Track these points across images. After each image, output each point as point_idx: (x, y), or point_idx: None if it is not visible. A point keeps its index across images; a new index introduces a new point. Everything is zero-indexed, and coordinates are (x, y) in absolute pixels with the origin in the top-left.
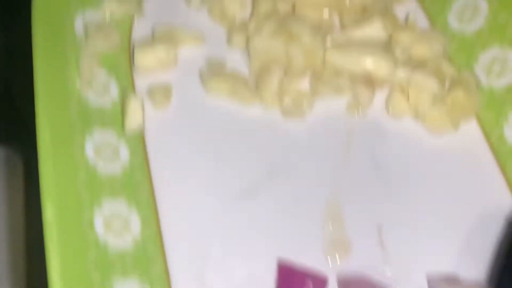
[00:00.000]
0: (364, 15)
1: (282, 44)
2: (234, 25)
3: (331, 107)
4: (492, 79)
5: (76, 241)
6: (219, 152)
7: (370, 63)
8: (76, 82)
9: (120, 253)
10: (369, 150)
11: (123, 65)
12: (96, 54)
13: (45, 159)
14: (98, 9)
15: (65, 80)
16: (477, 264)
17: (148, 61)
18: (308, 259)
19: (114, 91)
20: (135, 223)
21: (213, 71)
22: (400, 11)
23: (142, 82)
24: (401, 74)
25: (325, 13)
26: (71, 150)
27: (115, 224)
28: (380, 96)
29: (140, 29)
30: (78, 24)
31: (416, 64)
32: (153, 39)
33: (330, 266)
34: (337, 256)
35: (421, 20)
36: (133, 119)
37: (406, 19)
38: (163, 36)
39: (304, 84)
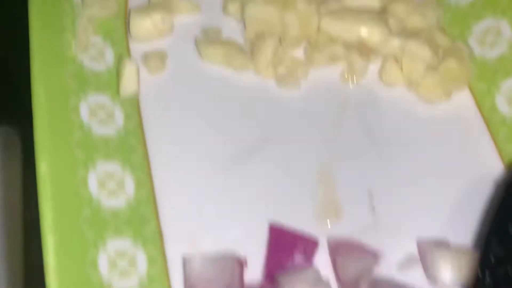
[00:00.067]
0: None
1: (277, 12)
2: None
3: (326, 75)
4: (485, 50)
5: (69, 199)
6: (213, 117)
7: (365, 31)
8: (72, 47)
9: (114, 212)
10: (362, 118)
11: (119, 31)
12: (93, 20)
13: (39, 118)
14: None
15: (61, 45)
16: (467, 229)
17: (144, 28)
18: (299, 223)
19: (109, 57)
20: (129, 184)
21: (208, 38)
22: None
23: (137, 48)
24: (395, 43)
25: None
26: (66, 110)
27: (109, 184)
28: (374, 66)
29: None
30: None
31: (410, 34)
32: (149, 6)
33: (321, 230)
34: (328, 220)
35: None
36: (128, 84)
37: None
38: (159, 4)
39: (298, 52)
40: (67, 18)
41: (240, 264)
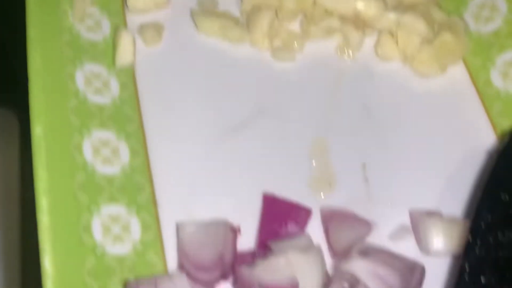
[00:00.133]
0: None
1: None
2: None
3: (321, 49)
4: (481, 24)
5: (64, 163)
6: (208, 88)
7: (361, 4)
8: (68, 17)
9: (108, 179)
10: (357, 91)
11: (116, 3)
12: None
13: (35, 82)
14: None
15: (58, 14)
16: (459, 200)
17: (141, 0)
18: (293, 194)
19: (106, 27)
20: (124, 152)
21: (205, 10)
22: None
23: (134, 20)
24: (391, 16)
25: None
26: (62, 77)
27: (104, 151)
28: (369, 39)
29: None
30: None
31: (405, 8)
32: None
33: (315, 201)
34: (321, 192)
35: None
36: (124, 54)
37: None
38: None
39: (294, 25)
40: None
41: (234, 231)
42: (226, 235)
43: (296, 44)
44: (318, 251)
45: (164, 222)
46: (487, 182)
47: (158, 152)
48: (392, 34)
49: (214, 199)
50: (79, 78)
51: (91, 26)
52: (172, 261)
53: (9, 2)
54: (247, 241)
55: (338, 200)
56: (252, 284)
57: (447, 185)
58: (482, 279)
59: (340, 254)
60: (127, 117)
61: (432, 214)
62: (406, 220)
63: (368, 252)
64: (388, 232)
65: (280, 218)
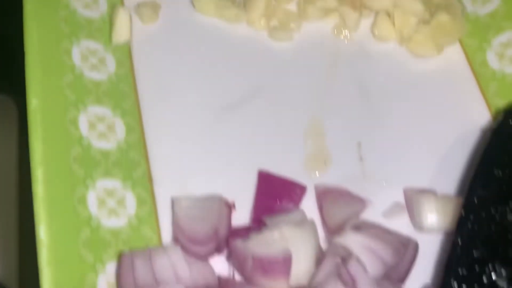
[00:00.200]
0: None
1: None
2: None
3: (318, 29)
4: (477, 6)
5: (59, 136)
6: (204, 67)
7: None
8: None
9: (104, 153)
10: (354, 71)
11: None
12: None
13: (31, 55)
14: None
15: None
16: (453, 179)
17: None
18: (288, 172)
19: (103, 5)
20: (120, 128)
21: None
22: None
23: None
24: None
25: None
26: (58, 52)
27: (99, 126)
28: (366, 20)
29: None
30: None
31: None
32: None
33: (310, 179)
34: (316, 170)
35: None
36: (120, 32)
37: None
38: None
39: (291, 5)
40: None
41: (228, 206)
42: (221, 210)
43: (292, 24)
44: (312, 225)
45: (159, 197)
46: (480, 159)
47: (154, 129)
48: (389, 14)
49: (209, 176)
50: (76, 54)
51: (88, 2)
52: (166, 236)
53: None
54: (241, 217)
55: (333, 178)
56: (246, 257)
57: (442, 164)
58: (474, 253)
59: (334, 231)
60: (123, 94)
61: (426, 192)
62: (400, 198)
63: (362, 227)
64: (382, 209)
65: (274, 194)
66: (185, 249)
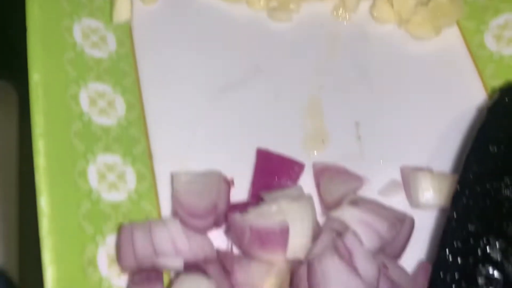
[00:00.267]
0: None
1: None
2: None
3: (318, 10)
4: None
5: (60, 110)
6: (204, 47)
7: None
8: None
9: (104, 129)
10: (352, 52)
11: None
12: None
13: (33, 32)
14: None
15: None
16: (449, 159)
17: None
18: (286, 150)
19: None
20: (120, 105)
21: None
22: None
23: None
24: None
25: None
26: (59, 29)
27: (100, 103)
28: (365, 2)
29: None
30: None
31: None
32: None
33: (308, 157)
34: (315, 149)
35: None
36: (121, 11)
37: None
38: None
39: None
40: None
41: (227, 182)
42: (220, 186)
43: (292, 5)
44: (309, 200)
45: (159, 174)
46: (476, 135)
47: (154, 106)
48: None
49: (208, 155)
50: (77, 32)
51: None
52: (166, 211)
53: None
54: (240, 194)
55: (331, 157)
56: (244, 229)
57: (438, 144)
58: (469, 227)
59: (331, 207)
60: (124, 72)
61: (422, 169)
62: (397, 176)
63: (359, 203)
64: (379, 187)
65: (273, 172)
66: (184, 223)
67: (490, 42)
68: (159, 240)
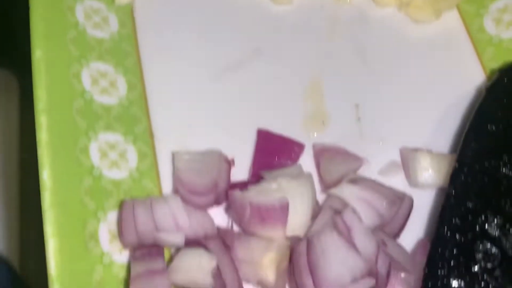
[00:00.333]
0: None
1: None
2: None
3: None
4: None
5: (62, 87)
6: (205, 28)
7: None
8: None
9: (105, 108)
10: (353, 35)
11: None
12: None
13: (35, 11)
14: None
15: None
16: (448, 140)
17: None
18: (287, 131)
19: None
20: (122, 85)
21: None
22: None
23: None
24: None
25: None
26: (61, 8)
27: (101, 82)
28: None
29: None
30: None
31: None
32: None
33: (308, 139)
34: (315, 131)
35: None
36: None
37: None
38: None
39: None
40: None
41: (227, 161)
42: (220, 165)
43: None
44: (309, 178)
45: (160, 153)
46: (475, 114)
47: (155, 86)
48: None
49: (209, 134)
50: (79, 12)
51: None
52: (167, 189)
53: None
54: (241, 173)
55: (331, 138)
56: (244, 206)
57: (437, 126)
58: (468, 204)
59: (331, 187)
60: (125, 52)
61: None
62: (396, 157)
63: (358, 181)
64: (378, 168)
65: (273, 152)
66: (185, 200)
67: (489, 25)
68: (160, 216)
